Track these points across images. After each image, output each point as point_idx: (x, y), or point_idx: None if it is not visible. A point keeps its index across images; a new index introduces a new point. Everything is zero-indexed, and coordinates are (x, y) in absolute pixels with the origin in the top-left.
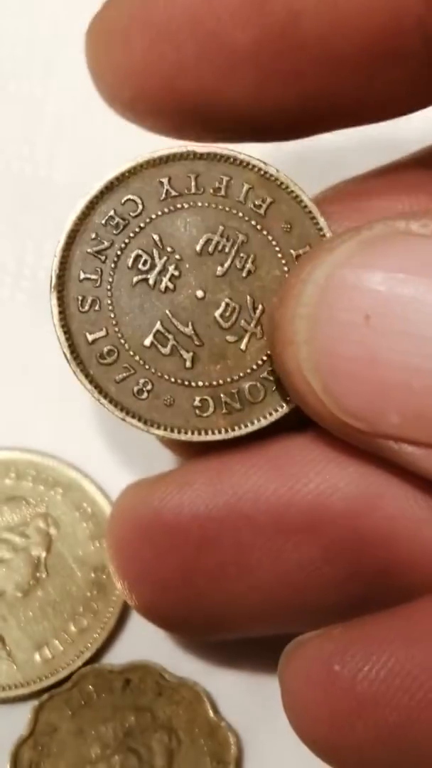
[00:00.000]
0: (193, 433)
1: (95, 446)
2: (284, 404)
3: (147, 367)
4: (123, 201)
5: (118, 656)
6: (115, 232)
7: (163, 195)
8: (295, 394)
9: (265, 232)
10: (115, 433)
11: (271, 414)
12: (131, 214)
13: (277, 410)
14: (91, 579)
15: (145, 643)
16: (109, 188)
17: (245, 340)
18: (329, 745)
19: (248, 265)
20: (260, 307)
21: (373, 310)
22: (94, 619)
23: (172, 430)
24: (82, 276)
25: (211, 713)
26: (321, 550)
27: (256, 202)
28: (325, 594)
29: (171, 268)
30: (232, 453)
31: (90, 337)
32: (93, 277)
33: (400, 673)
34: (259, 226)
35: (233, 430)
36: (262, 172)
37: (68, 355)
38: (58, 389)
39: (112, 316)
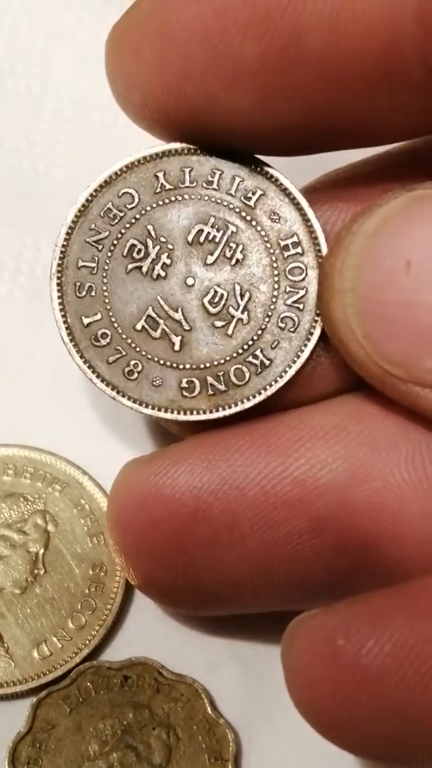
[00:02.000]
0: (179, 412)
1: (93, 443)
2: (268, 387)
3: (138, 349)
4: (120, 194)
5: (117, 653)
6: (111, 222)
7: (158, 188)
8: (338, 342)
9: (254, 223)
10: (114, 430)
11: (254, 396)
12: (127, 206)
13: (260, 393)
14: (89, 576)
15: (143, 640)
16: (108, 182)
17: (232, 326)
18: (332, 720)
19: (237, 255)
20: (248, 294)
21: (415, 257)
22: (93, 616)
23: (159, 410)
24: (80, 263)
25: (209, 710)
26: (309, 522)
27: (246, 194)
28: (313, 567)
29: (163, 256)
30: (225, 430)
31: (85, 321)
32: (90, 264)
33: (405, 646)
34: (248, 217)
35: (217, 410)
36: (252, 166)
37: (65, 337)
38: (56, 386)
39: (107, 301)
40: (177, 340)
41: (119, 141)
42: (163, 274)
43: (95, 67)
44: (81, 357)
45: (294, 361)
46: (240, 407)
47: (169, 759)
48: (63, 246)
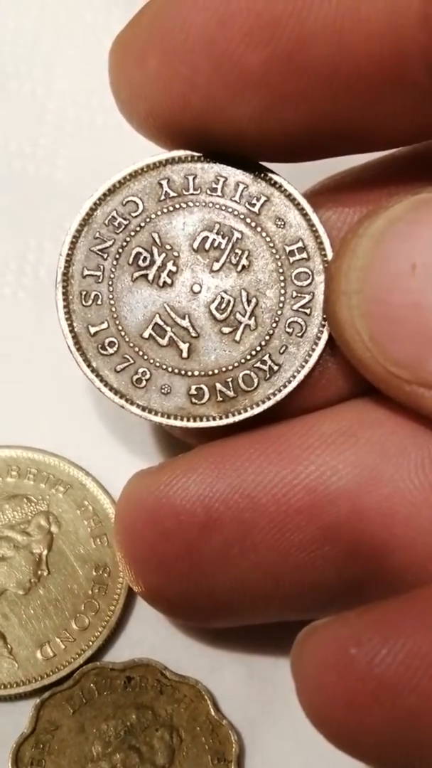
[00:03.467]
0: (188, 419)
1: (97, 444)
2: (277, 393)
3: (145, 357)
4: (124, 202)
5: (120, 654)
6: (116, 231)
7: (162, 195)
8: (344, 344)
9: (259, 229)
10: (117, 431)
11: (264, 402)
12: (132, 214)
13: (269, 398)
14: (92, 577)
15: (146, 641)
16: (112, 190)
17: (240, 332)
18: (344, 729)
19: (243, 261)
20: (254, 300)
21: (420, 259)
22: (96, 617)
23: (168, 417)
24: (86, 272)
25: (212, 711)
26: (321, 530)
27: (251, 201)
28: (325, 574)
29: (169, 264)
30: (234, 439)
31: (92, 329)
32: (95, 273)
33: (419, 654)
34: (253, 223)
35: (227, 417)
36: (255, 172)
37: (71, 346)
38: (59, 387)
39: (113, 309)
40: (185, 347)
41: (123, 144)
42: (169, 281)
43: (99, 70)
44: (88, 366)
45: (302, 366)
46: (249, 413)
47: (172, 760)
48: (68, 255)
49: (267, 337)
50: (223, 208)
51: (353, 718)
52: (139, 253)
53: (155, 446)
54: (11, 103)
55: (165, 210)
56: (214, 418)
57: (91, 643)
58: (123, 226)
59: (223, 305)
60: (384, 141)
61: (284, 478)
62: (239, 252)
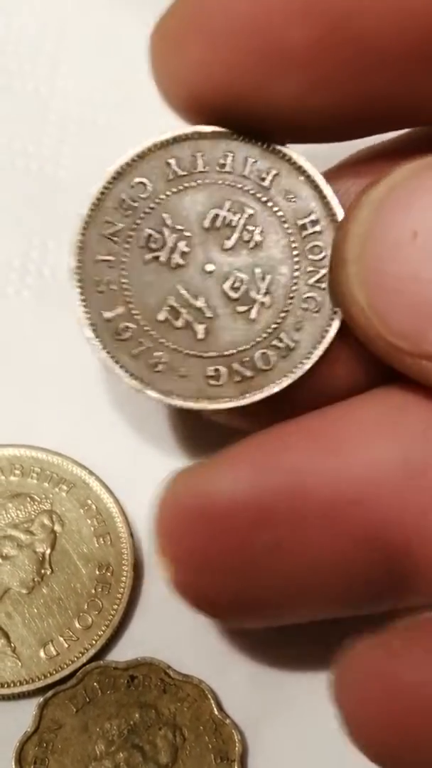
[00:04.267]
0: (207, 401)
1: (100, 443)
2: (294, 370)
3: (161, 340)
4: (132, 184)
5: (123, 653)
6: (126, 214)
7: (171, 175)
8: (346, 314)
9: (270, 204)
10: (121, 430)
11: (281, 380)
12: (141, 196)
13: (287, 376)
14: (95, 576)
15: (149, 640)
16: (120, 173)
17: (255, 310)
18: (391, 753)
19: (255, 237)
20: (268, 277)
21: (421, 228)
22: (99, 616)
23: (187, 400)
24: (98, 258)
25: (215, 710)
26: (372, 520)
27: (260, 175)
28: (375, 569)
29: (181, 244)
30: (276, 430)
31: (106, 315)
32: (108, 258)
33: None
34: (264, 198)
35: (245, 397)
36: (264, 146)
37: (89, 334)
38: (62, 386)
39: (128, 294)
40: (200, 328)
41: (127, 143)
42: (182, 262)
43: (103, 68)
44: (108, 353)
45: (319, 342)
46: (267, 392)
47: (176, 759)
48: (80, 242)
49: (282, 315)
50: (233, 184)
51: (405, 744)
52: (150, 235)
53: (161, 444)
54: (15, 101)
55: (174, 190)
56: (232, 399)
57: (94, 642)
58: (132, 209)
59: (237, 284)
60: (428, 116)
61: (334, 470)
62: (251, 228)
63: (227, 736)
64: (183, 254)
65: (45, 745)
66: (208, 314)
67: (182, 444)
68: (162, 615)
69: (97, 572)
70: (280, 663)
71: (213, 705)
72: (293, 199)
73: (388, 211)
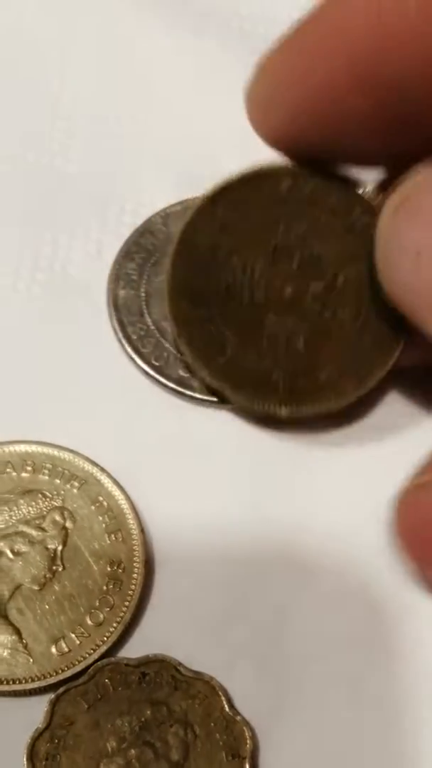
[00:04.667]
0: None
1: (112, 440)
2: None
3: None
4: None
5: (134, 650)
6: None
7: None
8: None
9: (318, 216)
10: (133, 427)
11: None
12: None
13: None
14: (107, 572)
15: (160, 637)
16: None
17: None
18: None
19: (315, 251)
20: (341, 277)
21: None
22: (110, 613)
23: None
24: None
25: (226, 707)
26: None
27: (301, 195)
28: None
29: (257, 279)
30: None
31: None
32: (203, 312)
33: None
34: (311, 213)
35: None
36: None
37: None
38: (74, 382)
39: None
40: (301, 342)
41: (136, 139)
42: (262, 298)
43: (113, 64)
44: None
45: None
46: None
47: (187, 756)
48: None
49: None
50: (280, 208)
51: None
52: (227, 285)
53: (173, 443)
54: (26, 96)
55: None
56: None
57: (105, 639)
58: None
59: (320, 294)
60: None
61: None
62: (309, 245)
63: (238, 733)
64: (262, 287)
65: (57, 741)
66: (306, 328)
67: (194, 441)
68: (173, 612)
69: (109, 569)
70: (291, 660)
71: (224, 702)
72: (337, 209)
73: (398, 224)
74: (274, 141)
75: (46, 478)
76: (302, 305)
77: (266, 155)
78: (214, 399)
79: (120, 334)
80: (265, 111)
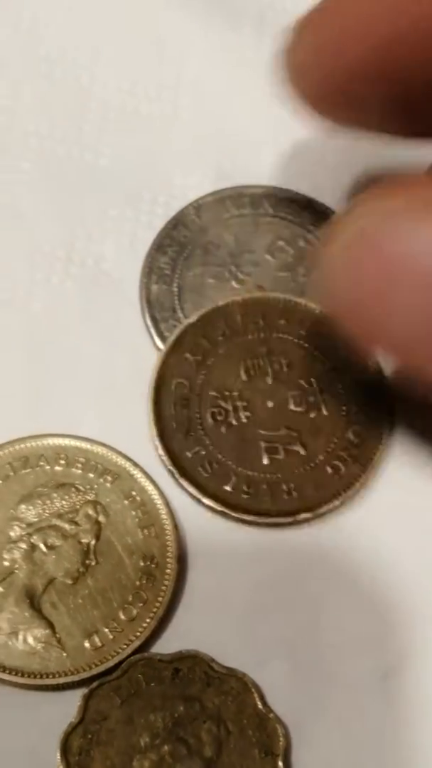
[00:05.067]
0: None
1: (145, 435)
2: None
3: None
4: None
5: (167, 645)
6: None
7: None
8: None
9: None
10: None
11: None
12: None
13: None
14: (140, 567)
15: (193, 633)
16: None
17: (314, 413)
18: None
19: (284, 366)
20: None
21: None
22: (144, 608)
23: None
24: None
25: (259, 704)
26: None
27: (261, 323)
28: None
29: (238, 404)
30: None
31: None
32: (197, 449)
33: None
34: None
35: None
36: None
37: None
38: (107, 377)
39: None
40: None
41: (166, 132)
42: (245, 417)
43: (144, 57)
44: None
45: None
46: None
47: (220, 752)
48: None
49: None
50: (250, 338)
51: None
52: (213, 412)
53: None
54: (56, 90)
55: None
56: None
57: (138, 634)
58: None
59: (298, 398)
60: None
61: None
62: (277, 359)
63: (271, 730)
64: (244, 410)
65: (90, 736)
66: (294, 435)
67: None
68: (206, 608)
69: (142, 564)
70: (324, 656)
71: (257, 698)
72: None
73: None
74: (313, 100)
75: (80, 472)
76: None
77: (297, 144)
78: None
79: (153, 331)
80: (304, 71)
